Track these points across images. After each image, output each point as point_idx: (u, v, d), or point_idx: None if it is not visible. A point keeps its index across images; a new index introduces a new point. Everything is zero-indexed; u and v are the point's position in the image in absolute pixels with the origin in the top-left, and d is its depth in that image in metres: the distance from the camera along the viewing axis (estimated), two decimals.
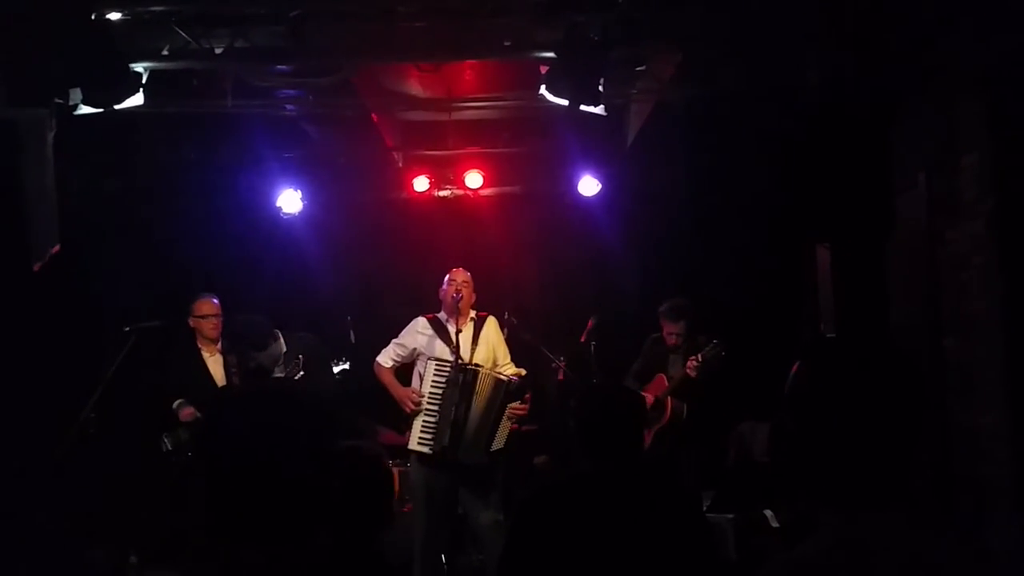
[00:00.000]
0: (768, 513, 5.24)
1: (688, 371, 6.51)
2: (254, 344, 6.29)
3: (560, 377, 7.12)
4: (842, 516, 1.77)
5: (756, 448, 6.62)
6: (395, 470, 7.29)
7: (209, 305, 6.65)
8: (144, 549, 7.05)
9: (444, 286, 6.18)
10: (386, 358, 6.22)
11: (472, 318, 6.15)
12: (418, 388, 5.97)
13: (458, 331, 6.01)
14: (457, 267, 6.25)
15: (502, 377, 5.95)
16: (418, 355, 6.12)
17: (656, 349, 6.95)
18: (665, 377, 6.74)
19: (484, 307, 6.82)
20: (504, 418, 5.91)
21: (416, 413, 5.92)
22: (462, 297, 6.05)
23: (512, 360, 6.39)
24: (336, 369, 6.99)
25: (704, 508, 4.77)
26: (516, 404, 5.95)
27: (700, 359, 6.48)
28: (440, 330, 6.09)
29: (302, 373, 6.26)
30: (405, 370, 6.21)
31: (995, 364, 5.12)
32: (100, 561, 6.74)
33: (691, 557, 3.25)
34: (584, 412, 3.54)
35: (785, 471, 3.00)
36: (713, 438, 6.79)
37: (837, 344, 1.89)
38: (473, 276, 6.25)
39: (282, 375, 6.29)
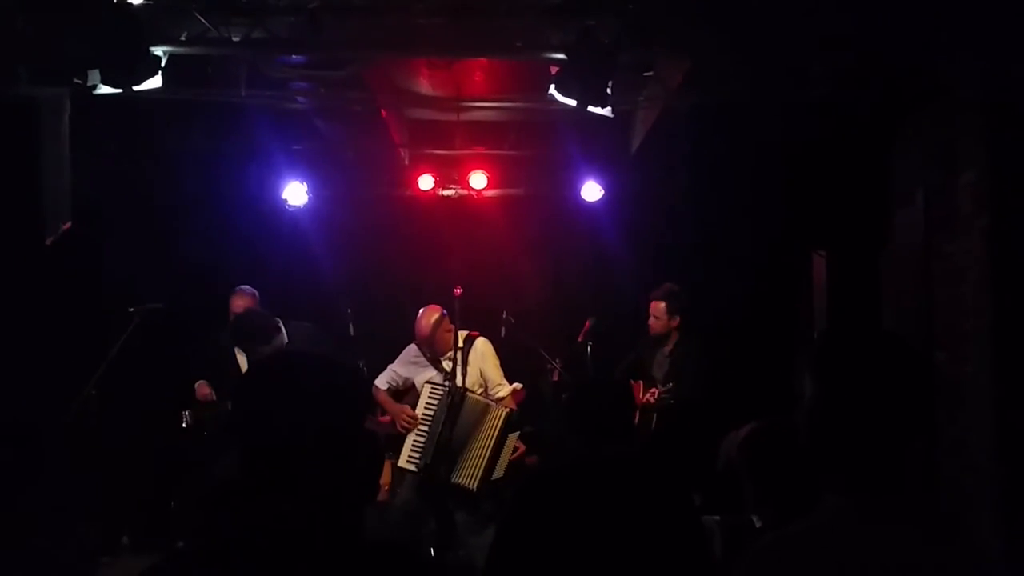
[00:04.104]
0: (755, 517, 5.31)
1: (647, 399, 6.62)
2: (259, 338, 6.37)
3: (555, 378, 7.19)
4: (841, 500, 1.84)
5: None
6: (388, 462, 7.43)
7: (239, 301, 6.82)
8: (136, 530, 7.11)
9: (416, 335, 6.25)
10: (382, 381, 6.40)
11: (459, 346, 6.19)
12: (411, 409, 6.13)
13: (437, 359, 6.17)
14: (424, 310, 6.23)
15: (504, 407, 6.02)
16: (413, 383, 6.30)
17: (647, 345, 7.01)
18: (641, 388, 6.81)
19: (484, 307, 6.89)
20: (505, 447, 5.98)
21: (409, 431, 6.05)
22: (436, 348, 6.17)
23: (509, 361, 6.48)
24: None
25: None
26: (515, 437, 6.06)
27: (655, 399, 6.57)
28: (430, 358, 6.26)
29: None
30: None
31: (984, 379, 5.21)
32: (93, 540, 6.77)
33: (682, 543, 3.32)
34: (576, 403, 3.64)
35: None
36: (703, 441, 6.85)
37: (858, 338, 1.97)
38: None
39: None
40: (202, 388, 6.64)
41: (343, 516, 1.83)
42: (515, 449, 6.10)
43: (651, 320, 6.83)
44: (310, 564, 1.72)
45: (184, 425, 6.52)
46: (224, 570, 1.71)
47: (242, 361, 6.70)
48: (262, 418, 1.81)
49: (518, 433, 6.09)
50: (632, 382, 6.77)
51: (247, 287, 6.89)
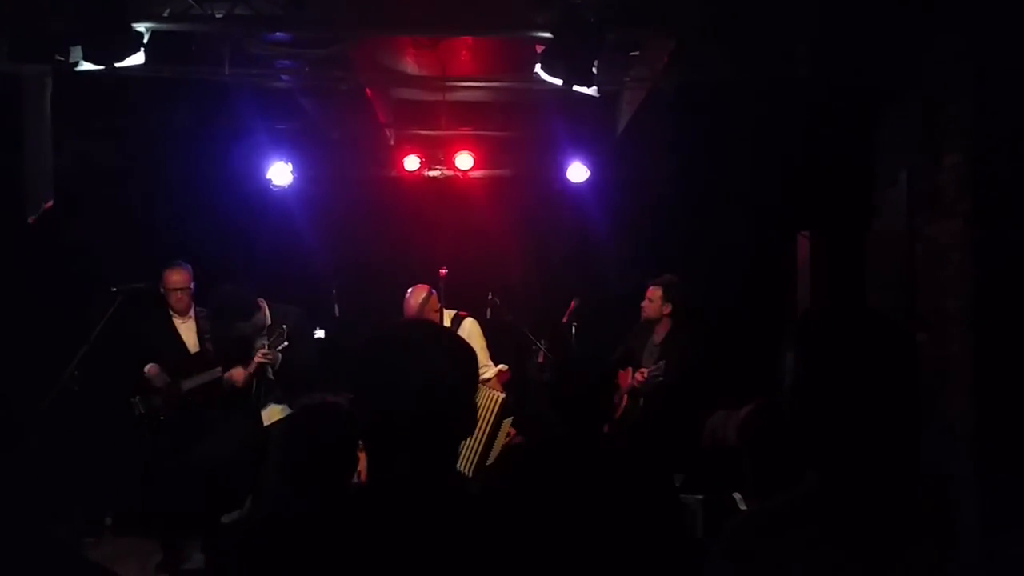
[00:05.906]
0: (737, 496, 5.34)
1: (634, 381, 6.63)
2: (238, 314, 6.35)
3: (540, 359, 7.20)
4: (824, 475, 1.86)
5: (729, 435, 6.71)
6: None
7: (176, 277, 6.58)
8: (119, 511, 7.09)
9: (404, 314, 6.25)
10: None
11: (446, 326, 6.18)
12: None
13: None
14: (412, 290, 6.26)
15: (497, 391, 5.99)
16: None
17: (637, 336, 7.02)
18: (630, 374, 6.83)
19: (470, 288, 6.88)
20: (500, 433, 5.96)
21: None
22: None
23: (495, 341, 6.47)
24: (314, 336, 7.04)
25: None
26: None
27: (643, 377, 6.57)
28: None
29: (286, 343, 6.30)
30: None
31: (967, 360, 5.24)
32: (75, 522, 6.75)
33: (658, 522, 3.34)
34: (557, 381, 3.65)
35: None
36: (687, 422, 6.90)
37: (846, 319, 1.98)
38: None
39: (266, 344, 6.35)
40: (153, 373, 6.46)
41: (451, 473, 1.93)
42: (508, 434, 6.09)
43: (644, 302, 6.82)
44: (430, 517, 1.79)
45: (137, 413, 6.42)
46: (349, 525, 1.78)
47: (188, 338, 6.61)
48: (389, 386, 1.85)
49: (512, 419, 6.08)
50: (620, 371, 6.80)
51: (182, 261, 6.68)
